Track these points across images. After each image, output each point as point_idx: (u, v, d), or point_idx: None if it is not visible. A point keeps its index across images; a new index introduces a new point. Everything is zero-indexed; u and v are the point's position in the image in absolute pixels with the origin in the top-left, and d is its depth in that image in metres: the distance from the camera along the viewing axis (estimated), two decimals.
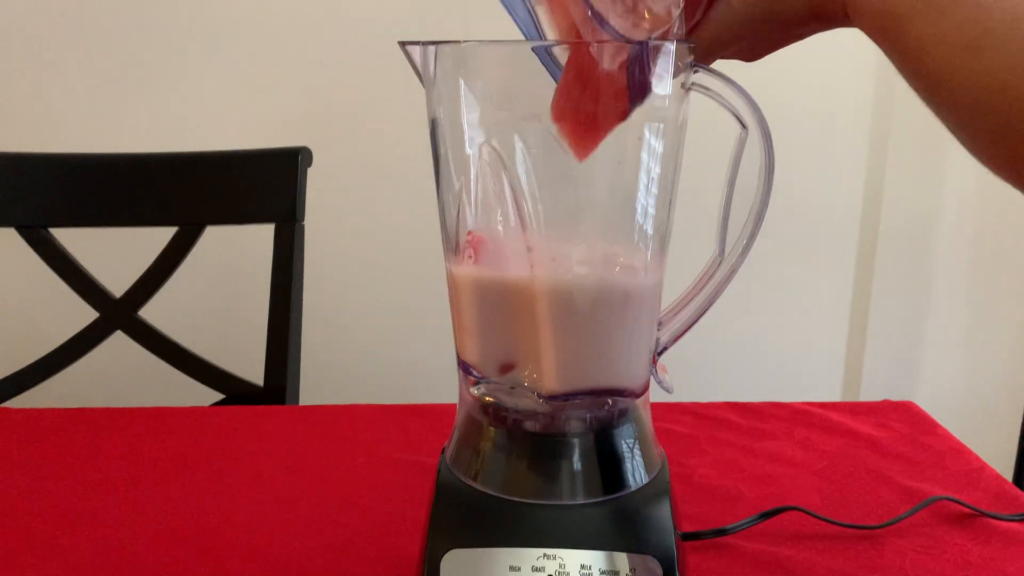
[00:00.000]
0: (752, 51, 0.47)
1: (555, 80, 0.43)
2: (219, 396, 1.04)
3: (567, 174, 0.45)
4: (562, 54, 0.43)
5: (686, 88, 0.45)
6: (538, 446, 0.47)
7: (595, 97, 0.43)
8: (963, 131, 0.38)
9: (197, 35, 1.43)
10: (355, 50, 1.43)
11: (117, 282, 1.05)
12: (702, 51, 0.45)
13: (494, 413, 0.48)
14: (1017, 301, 1.66)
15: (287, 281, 1.04)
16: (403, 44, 0.45)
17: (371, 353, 1.57)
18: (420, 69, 0.46)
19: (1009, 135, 0.36)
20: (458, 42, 0.43)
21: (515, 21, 0.45)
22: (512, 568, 0.45)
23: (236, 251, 1.38)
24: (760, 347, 1.63)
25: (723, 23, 0.44)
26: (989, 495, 0.69)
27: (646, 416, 0.50)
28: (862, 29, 0.41)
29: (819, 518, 0.64)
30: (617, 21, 0.43)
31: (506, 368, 0.48)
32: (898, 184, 1.57)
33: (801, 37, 0.46)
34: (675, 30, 0.44)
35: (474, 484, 0.48)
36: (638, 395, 0.49)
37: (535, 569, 0.45)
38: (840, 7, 0.41)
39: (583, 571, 0.44)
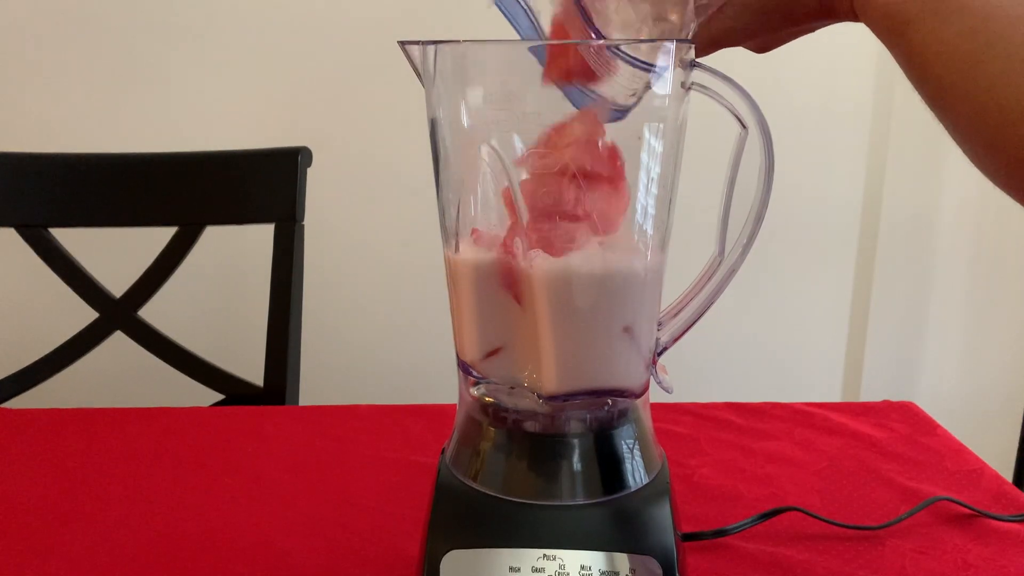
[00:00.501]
0: (763, 44, 0.47)
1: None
2: (219, 396, 1.04)
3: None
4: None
5: (686, 88, 0.45)
6: (538, 446, 0.47)
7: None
8: (964, 141, 0.38)
9: (197, 35, 1.43)
10: (355, 50, 1.43)
11: (117, 282, 1.05)
12: (713, 41, 0.46)
13: (494, 413, 0.48)
14: (1017, 301, 1.66)
15: (287, 281, 1.04)
16: (403, 44, 0.45)
17: (371, 353, 1.57)
18: (420, 69, 0.46)
19: (1006, 148, 0.36)
20: (458, 42, 0.43)
21: (508, 18, 0.46)
22: (512, 569, 0.45)
23: (236, 251, 1.37)
24: (760, 347, 1.63)
25: (737, 15, 0.44)
26: (989, 495, 0.69)
27: (646, 416, 0.50)
28: (869, 28, 0.41)
29: (819, 518, 0.64)
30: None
31: (499, 354, 0.48)
32: (898, 184, 1.57)
33: (811, 30, 0.46)
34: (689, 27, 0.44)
35: (474, 484, 0.48)
36: (638, 395, 0.49)
37: (535, 570, 0.45)
38: (848, 5, 0.41)
39: (583, 572, 0.44)
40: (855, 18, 0.42)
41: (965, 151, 0.39)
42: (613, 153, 0.44)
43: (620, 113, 0.44)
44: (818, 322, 1.64)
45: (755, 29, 0.45)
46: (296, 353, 1.05)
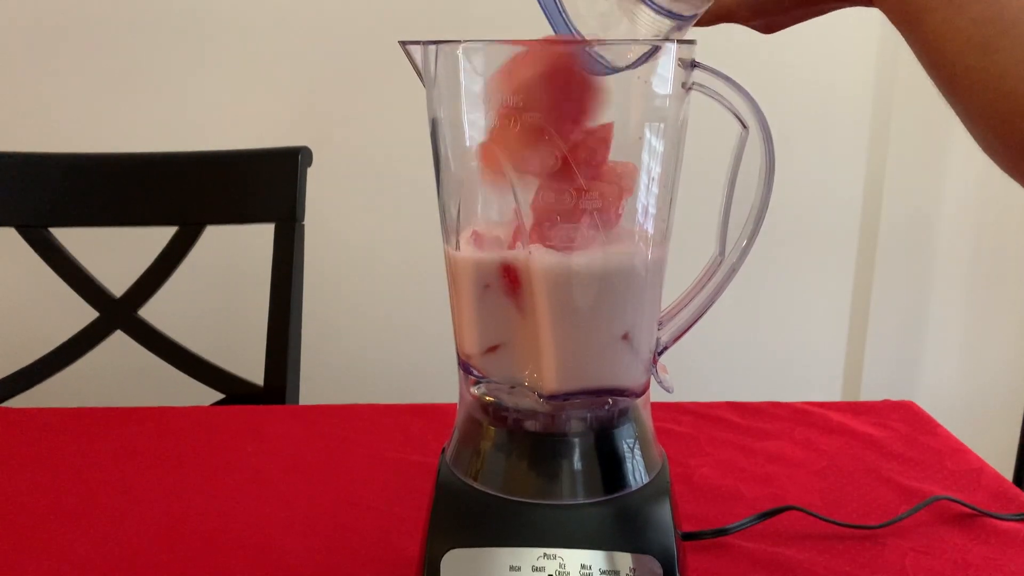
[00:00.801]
0: (770, 24, 0.47)
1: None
2: (219, 396, 1.04)
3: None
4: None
5: (686, 88, 0.45)
6: (538, 446, 0.47)
7: None
8: (976, 128, 0.38)
9: (197, 35, 1.43)
10: (355, 50, 1.43)
11: (117, 282, 1.05)
12: (723, 12, 0.46)
13: (494, 413, 0.48)
14: (1017, 301, 1.66)
15: (287, 281, 1.04)
16: (403, 44, 0.45)
17: (371, 353, 1.57)
18: (420, 69, 0.46)
19: (1017, 134, 0.36)
20: (458, 42, 0.43)
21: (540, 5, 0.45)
22: (512, 568, 0.45)
23: (236, 251, 1.37)
24: (760, 347, 1.63)
25: None
26: (989, 495, 0.69)
27: (646, 416, 0.50)
28: (884, 13, 0.41)
29: (819, 518, 0.64)
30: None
31: (500, 353, 0.48)
32: (898, 184, 1.57)
33: (822, 13, 0.46)
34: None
35: (474, 484, 0.48)
36: (638, 395, 0.49)
37: (535, 569, 0.45)
38: None
39: (583, 571, 0.44)
40: (868, 3, 0.42)
41: (976, 138, 0.39)
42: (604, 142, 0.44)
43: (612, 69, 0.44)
44: (818, 322, 1.64)
45: (766, 9, 0.45)
46: (296, 353, 1.05)
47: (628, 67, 0.43)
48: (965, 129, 0.40)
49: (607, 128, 0.43)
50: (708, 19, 0.46)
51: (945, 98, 0.39)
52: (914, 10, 0.39)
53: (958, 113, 0.39)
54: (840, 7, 0.45)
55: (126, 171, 1.08)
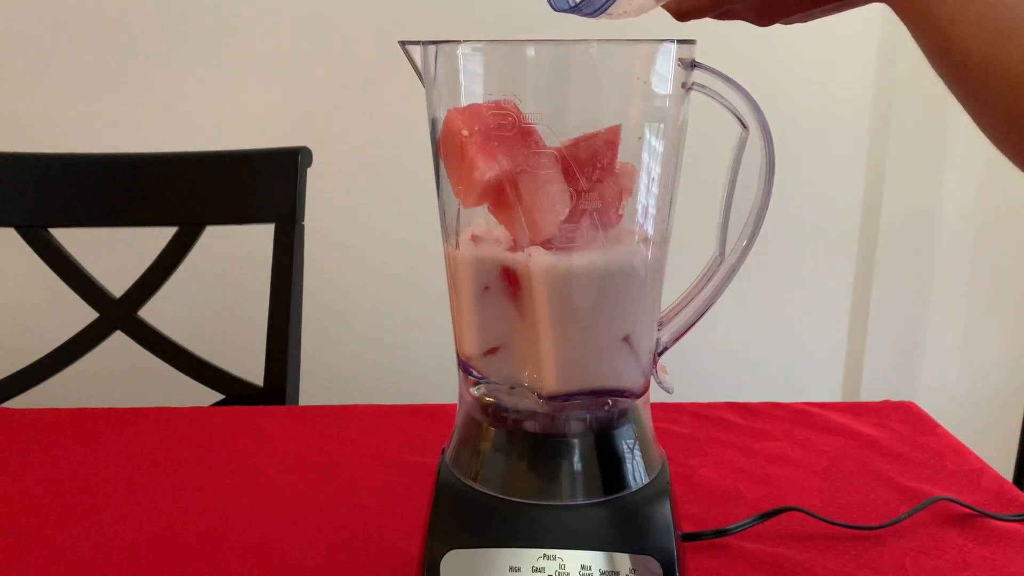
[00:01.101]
0: (769, 14, 0.47)
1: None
2: (219, 396, 1.04)
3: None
4: None
5: (687, 88, 0.45)
6: (538, 446, 0.47)
7: None
8: (986, 117, 0.38)
9: (197, 35, 1.43)
10: (355, 50, 1.43)
11: (117, 282, 1.05)
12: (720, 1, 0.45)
13: (494, 413, 0.48)
14: (1017, 301, 1.66)
15: (287, 281, 1.04)
16: (403, 44, 0.45)
17: (371, 353, 1.57)
18: (420, 69, 0.46)
19: None
20: (458, 42, 0.43)
21: None
22: (512, 568, 0.45)
23: (236, 251, 1.37)
24: (760, 347, 1.63)
25: None
26: (989, 495, 0.69)
27: (646, 416, 0.50)
28: (890, 6, 0.41)
29: (819, 518, 0.64)
30: None
31: (499, 353, 0.48)
32: (898, 184, 1.57)
33: (824, 14, 0.46)
34: None
35: (474, 484, 0.48)
36: (638, 395, 0.49)
37: (535, 570, 0.45)
38: None
39: (583, 571, 0.44)
40: None
41: (986, 131, 0.38)
42: (612, 145, 0.44)
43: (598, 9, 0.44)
44: (818, 322, 1.64)
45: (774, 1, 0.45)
46: (296, 353, 1.05)
47: (591, 14, 0.43)
48: (966, 128, 0.39)
49: (614, 131, 0.43)
50: (707, 3, 0.45)
51: (953, 91, 0.39)
52: (923, 2, 0.38)
53: (966, 106, 0.39)
54: (842, 9, 0.44)
55: (126, 171, 1.08)
